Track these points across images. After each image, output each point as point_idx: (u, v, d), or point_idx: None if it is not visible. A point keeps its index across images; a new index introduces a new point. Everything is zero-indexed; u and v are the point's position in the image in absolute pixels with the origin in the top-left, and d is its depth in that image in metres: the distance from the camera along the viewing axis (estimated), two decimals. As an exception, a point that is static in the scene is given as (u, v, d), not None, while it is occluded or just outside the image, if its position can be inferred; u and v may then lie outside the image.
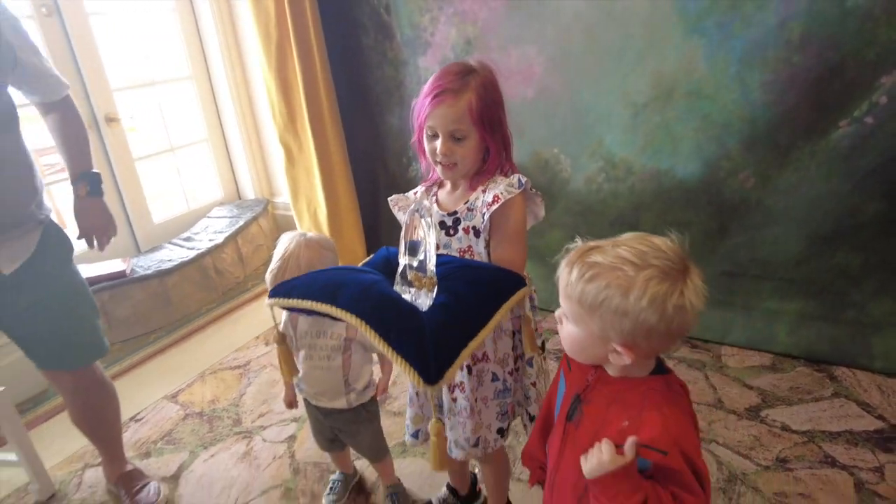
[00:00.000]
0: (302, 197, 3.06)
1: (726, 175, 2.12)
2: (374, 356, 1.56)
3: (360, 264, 1.17)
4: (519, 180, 1.15)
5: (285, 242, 1.37)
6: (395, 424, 2.03)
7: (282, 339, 1.19)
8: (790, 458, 1.76)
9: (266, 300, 1.09)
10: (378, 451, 1.64)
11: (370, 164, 3.02)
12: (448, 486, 1.66)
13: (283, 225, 3.73)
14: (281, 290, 1.06)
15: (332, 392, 1.47)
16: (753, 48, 1.92)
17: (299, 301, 1.02)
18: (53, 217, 1.55)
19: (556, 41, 2.26)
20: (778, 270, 2.16)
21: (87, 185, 1.60)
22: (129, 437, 2.13)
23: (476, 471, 1.69)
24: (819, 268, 2.09)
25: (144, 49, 3.29)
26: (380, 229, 3.14)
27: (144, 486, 1.81)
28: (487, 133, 1.14)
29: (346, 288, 0.99)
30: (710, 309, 2.30)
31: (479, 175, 1.19)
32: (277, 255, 1.36)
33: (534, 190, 1.20)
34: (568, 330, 0.88)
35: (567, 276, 0.84)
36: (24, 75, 1.45)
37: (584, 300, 0.82)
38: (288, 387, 1.57)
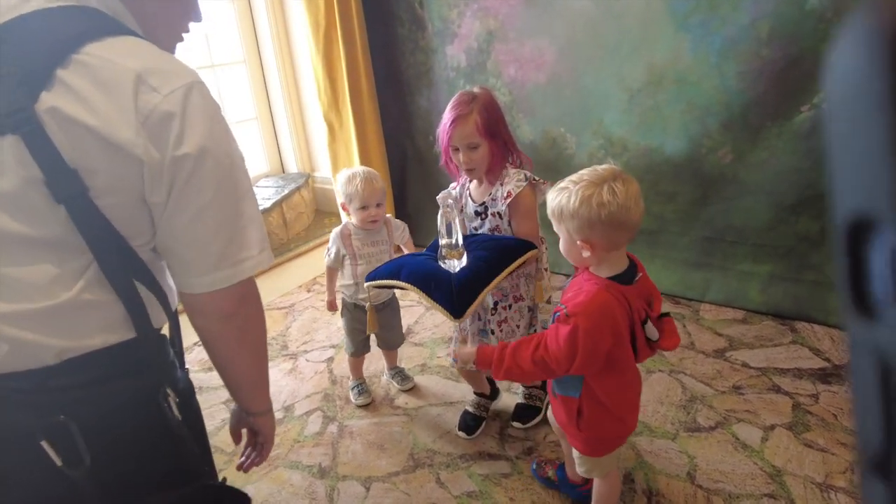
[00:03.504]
0: (341, 168, 3.46)
1: (707, 151, 2.45)
2: None
3: (426, 248, 1.75)
4: (525, 175, 1.62)
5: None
6: (416, 351, 2.44)
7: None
8: (743, 386, 2.11)
9: (365, 284, 1.70)
10: (401, 338, 2.17)
11: (400, 140, 3.42)
12: (476, 393, 2.02)
13: (321, 196, 4.15)
14: (370, 277, 1.66)
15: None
16: (729, 43, 2.25)
17: (381, 281, 1.61)
18: None
19: (564, 34, 2.61)
20: (750, 236, 2.49)
21: None
22: (195, 356, 2.56)
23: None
24: (785, 233, 2.41)
25: (206, 35, 3.73)
26: (408, 198, 3.53)
27: None
28: (491, 141, 1.59)
29: (405, 268, 1.59)
30: (691, 270, 2.69)
31: (492, 171, 1.64)
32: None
33: (537, 179, 1.64)
34: (560, 242, 1.28)
35: (547, 202, 1.26)
36: None
37: (553, 213, 1.23)
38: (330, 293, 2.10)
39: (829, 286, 2.38)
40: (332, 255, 1.97)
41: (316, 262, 3.45)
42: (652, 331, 1.24)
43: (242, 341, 0.97)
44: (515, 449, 1.88)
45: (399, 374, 2.22)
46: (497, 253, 1.53)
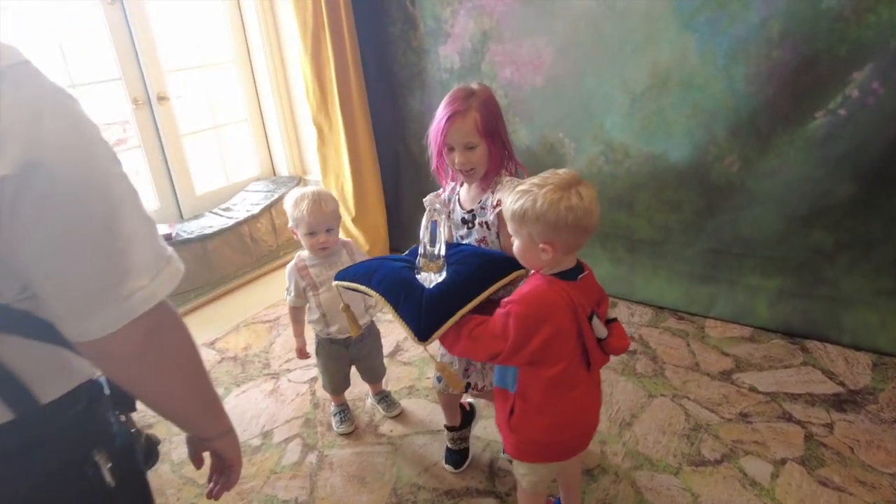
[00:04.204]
0: (331, 173, 3.34)
1: (714, 159, 2.31)
2: None
3: (406, 252, 1.54)
4: None
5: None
6: (405, 371, 2.31)
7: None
8: (751, 414, 1.97)
9: (333, 282, 1.49)
10: (383, 368, 2.04)
11: (393, 144, 3.28)
12: (447, 427, 1.84)
13: (313, 200, 4.02)
14: (339, 276, 1.46)
15: (356, 313, 1.78)
16: (738, 43, 2.10)
17: (350, 283, 1.42)
18: None
19: (563, 34, 2.46)
20: (759, 248, 2.35)
21: None
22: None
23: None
24: (796, 246, 2.27)
25: (194, 34, 3.59)
26: (400, 204, 3.40)
27: None
28: (490, 141, 1.45)
29: (378, 273, 1.39)
30: (696, 283, 2.54)
31: (487, 176, 1.50)
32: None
33: None
34: (516, 245, 1.24)
35: (506, 204, 1.23)
36: None
37: (515, 216, 1.19)
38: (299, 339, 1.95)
39: (844, 302, 2.24)
40: (293, 293, 1.81)
41: (305, 270, 3.32)
42: (599, 328, 1.23)
43: (168, 375, 0.77)
44: (506, 484, 1.75)
45: (385, 398, 2.09)
46: (479, 269, 1.36)
